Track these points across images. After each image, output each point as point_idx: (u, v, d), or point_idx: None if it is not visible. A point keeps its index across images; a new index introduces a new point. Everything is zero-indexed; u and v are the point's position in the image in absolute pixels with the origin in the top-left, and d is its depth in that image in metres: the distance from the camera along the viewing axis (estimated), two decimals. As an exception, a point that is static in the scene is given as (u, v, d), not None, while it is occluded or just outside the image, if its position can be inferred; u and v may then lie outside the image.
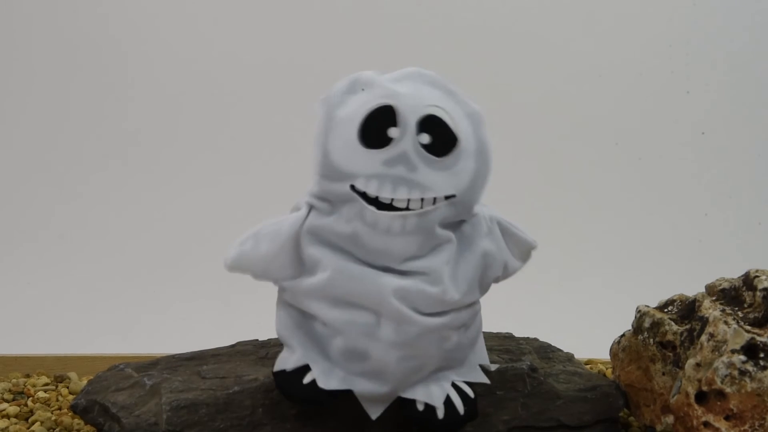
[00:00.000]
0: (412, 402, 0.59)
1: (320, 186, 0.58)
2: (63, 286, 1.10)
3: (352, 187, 0.56)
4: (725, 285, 0.64)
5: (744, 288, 0.63)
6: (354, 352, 0.57)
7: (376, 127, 0.55)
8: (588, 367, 0.79)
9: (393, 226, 0.56)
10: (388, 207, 0.56)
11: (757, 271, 0.63)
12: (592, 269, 1.14)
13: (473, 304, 0.61)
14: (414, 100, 0.56)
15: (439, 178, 0.56)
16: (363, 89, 0.58)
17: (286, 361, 0.59)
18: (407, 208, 0.56)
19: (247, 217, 1.02)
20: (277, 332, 0.61)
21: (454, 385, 0.60)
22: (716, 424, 0.58)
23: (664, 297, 0.68)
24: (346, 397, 0.58)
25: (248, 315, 1.03)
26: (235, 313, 1.06)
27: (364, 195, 0.55)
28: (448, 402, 0.59)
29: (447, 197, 0.56)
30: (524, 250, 0.63)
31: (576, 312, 1.07)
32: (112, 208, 1.14)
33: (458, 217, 0.58)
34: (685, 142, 1.18)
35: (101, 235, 1.13)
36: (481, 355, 0.63)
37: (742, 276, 0.64)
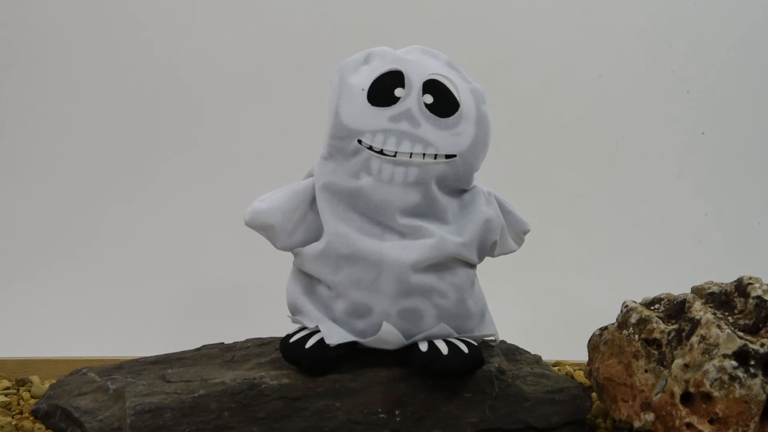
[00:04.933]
0: (416, 346, 0.62)
1: (330, 146, 0.63)
2: (26, 288, 1.10)
3: (360, 142, 0.61)
4: (714, 289, 0.64)
5: (736, 294, 0.63)
6: (357, 307, 0.62)
7: (384, 87, 0.61)
8: (556, 369, 0.80)
9: (396, 174, 0.61)
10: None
11: (750, 278, 0.63)
12: (585, 269, 1.14)
13: (467, 264, 0.65)
14: (420, 67, 0.62)
15: (440, 137, 0.61)
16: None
17: (298, 325, 0.65)
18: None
19: (218, 226, 1.03)
20: (288, 301, 0.67)
21: (458, 339, 0.64)
22: (699, 426, 0.58)
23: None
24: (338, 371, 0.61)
25: (213, 318, 1.05)
26: (200, 317, 1.07)
27: (370, 149, 0.61)
28: (451, 345, 0.62)
29: (448, 156, 0.61)
30: (518, 231, 0.69)
31: (555, 313, 1.07)
32: (75, 211, 1.14)
33: (458, 181, 0.64)
34: (685, 142, 1.18)
35: (65, 237, 1.13)
36: (490, 327, 0.68)
37: (735, 282, 0.64)
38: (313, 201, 0.64)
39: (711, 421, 0.58)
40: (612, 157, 1.18)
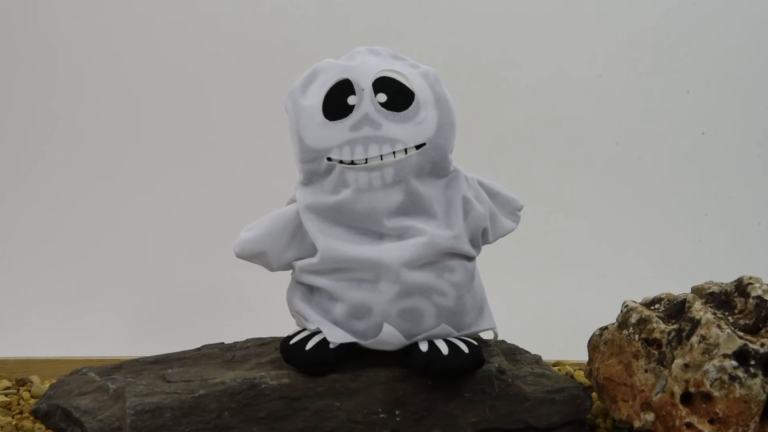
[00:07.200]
0: (416, 346, 0.62)
1: (304, 172, 0.64)
2: (25, 288, 1.10)
3: (329, 159, 0.62)
4: (714, 288, 0.64)
5: (736, 294, 0.63)
6: (357, 309, 0.62)
7: (336, 100, 0.61)
8: (556, 369, 0.80)
9: (373, 180, 0.61)
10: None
11: (750, 278, 0.63)
12: (585, 268, 1.14)
13: (464, 258, 0.65)
14: (366, 69, 0.62)
15: (404, 131, 0.61)
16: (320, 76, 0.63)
17: (301, 328, 0.65)
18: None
19: (218, 226, 1.03)
20: (290, 308, 0.67)
21: (458, 339, 0.64)
22: (700, 426, 0.58)
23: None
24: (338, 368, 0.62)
25: (213, 318, 1.05)
26: (200, 317, 1.07)
27: (341, 163, 0.61)
28: (451, 345, 0.62)
29: (418, 147, 0.62)
30: (511, 210, 0.69)
31: (555, 313, 1.07)
32: (72, 212, 1.14)
33: (435, 167, 0.63)
34: (685, 142, 1.18)
35: (65, 237, 1.13)
36: (488, 320, 0.67)
37: (735, 281, 0.64)
38: (299, 224, 0.64)
39: (711, 421, 0.58)
40: (612, 157, 1.18)
